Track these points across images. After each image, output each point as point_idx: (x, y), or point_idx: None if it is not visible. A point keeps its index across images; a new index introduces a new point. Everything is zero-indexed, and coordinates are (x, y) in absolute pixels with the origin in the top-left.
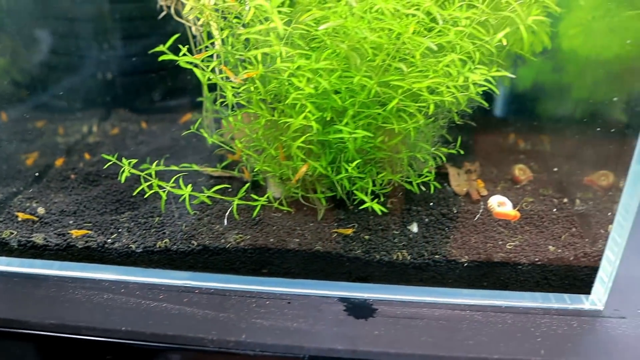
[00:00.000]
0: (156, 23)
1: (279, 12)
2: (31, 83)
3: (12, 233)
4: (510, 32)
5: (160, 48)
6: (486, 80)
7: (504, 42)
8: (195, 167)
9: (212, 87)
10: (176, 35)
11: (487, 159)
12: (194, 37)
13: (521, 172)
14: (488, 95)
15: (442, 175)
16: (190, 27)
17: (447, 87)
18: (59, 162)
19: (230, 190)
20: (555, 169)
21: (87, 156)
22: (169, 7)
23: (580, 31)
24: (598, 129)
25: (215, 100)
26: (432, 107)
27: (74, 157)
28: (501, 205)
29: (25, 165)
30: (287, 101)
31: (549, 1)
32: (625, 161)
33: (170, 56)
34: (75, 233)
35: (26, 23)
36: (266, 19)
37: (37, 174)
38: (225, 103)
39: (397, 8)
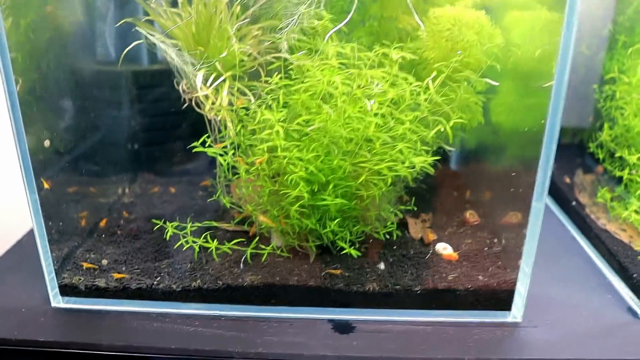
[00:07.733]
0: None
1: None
2: (70, 151)
3: (80, 279)
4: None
5: (196, 144)
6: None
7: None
8: (215, 224)
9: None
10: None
11: (440, 210)
12: (209, 121)
13: (471, 216)
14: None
15: (404, 225)
16: (205, 116)
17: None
18: (104, 221)
19: (244, 242)
20: (487, 214)
21: (125, 214)
22: (190, 100)
23: (504, 109)
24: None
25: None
26: (389, 179)
27: (115, 215)
28: (445, 249)
29: (80, 224)
30: (285, 178)
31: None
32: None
33: (200, 148)
34: (115, 275)
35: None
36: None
37: (89, 231)
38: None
39: (361, 114)
